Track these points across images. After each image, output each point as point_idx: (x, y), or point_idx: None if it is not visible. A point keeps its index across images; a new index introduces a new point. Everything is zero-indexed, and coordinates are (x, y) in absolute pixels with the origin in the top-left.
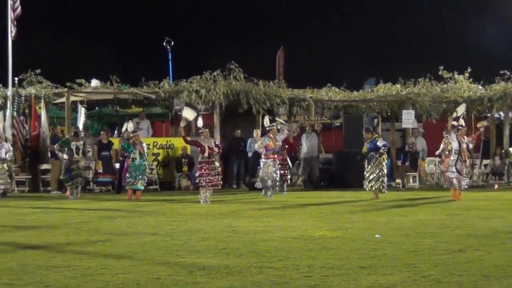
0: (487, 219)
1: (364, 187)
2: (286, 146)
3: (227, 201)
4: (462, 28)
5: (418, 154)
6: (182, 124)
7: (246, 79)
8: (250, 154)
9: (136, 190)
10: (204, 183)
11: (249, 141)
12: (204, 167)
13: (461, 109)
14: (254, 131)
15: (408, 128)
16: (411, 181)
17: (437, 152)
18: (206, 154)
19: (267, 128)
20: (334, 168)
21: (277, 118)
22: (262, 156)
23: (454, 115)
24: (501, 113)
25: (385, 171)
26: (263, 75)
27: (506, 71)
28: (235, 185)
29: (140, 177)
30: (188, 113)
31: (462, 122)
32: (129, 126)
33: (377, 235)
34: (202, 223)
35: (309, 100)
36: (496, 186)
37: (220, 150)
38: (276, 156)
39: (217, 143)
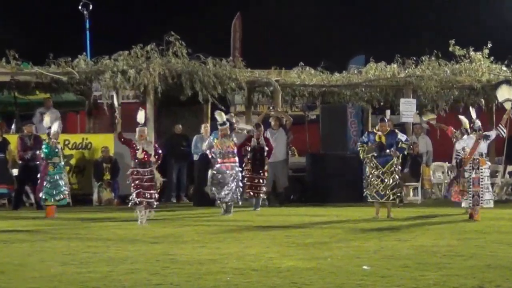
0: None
1: (374, 198)
2: (266, 148)
3: (164, 220)
4: None
5: (421, 157)
6: (119, 116)
7: (190, 56)
8: (195, 157)
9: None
10: (138, 200)
11: (194, 139)
12: (137, 178)
13: (504, 92)
14: (202, 126)
15: (407, 123)
16: (411, 193)
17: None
18: (139, 159)
19: (218, 126)
20: (308, 176)
21: (231, 114)
22: (212, 161)
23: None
24: None
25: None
26: (214, 50)
27: None
28: (175, 199)
29: (64, 189)
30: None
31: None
32: (45, 120)
33: (365, 267)
34: (129, 250)
35: (274, 85)
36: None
37: (159, 161)
38: (232, 160)
39: (159, 151)
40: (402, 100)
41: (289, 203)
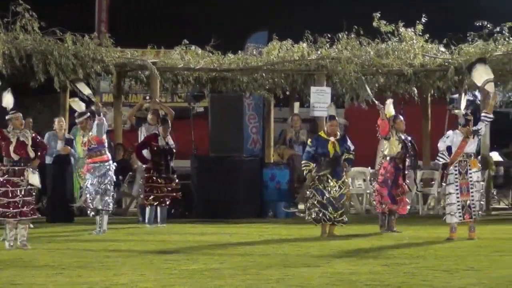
0: (451, 272)
1: (324, 219)
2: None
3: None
4: None
5: None
6: None
7: (43, 32)
8: (48, 160)
9: None
10: (8, 212)
11: (46, 137)
12: (8, 182)
13: (481, 73)
14: (56, 120)
15: (320, 117)
16: None
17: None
18: (13, 157)
19: (76, 119)
20: (194, 185)
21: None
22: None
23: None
24: (476, 93)
25: None
26: (73, 24)
27: (485, 23)
28: None
29: None
30: None
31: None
32: None
33: None
34: None
35: (151, 68)
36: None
37: (42, 158)
38: (105, 157)
39: (39, 139)
40: (313, 89)
41: (169, 219)
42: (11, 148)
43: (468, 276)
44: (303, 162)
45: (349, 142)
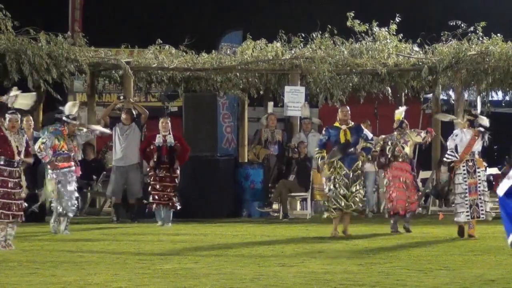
0: (424, 271)
1: (337, 210)
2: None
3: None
4: None
5: (311, 161)
6: None
7: (17, 31)
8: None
9: None
10: (9, 213)
11: None
12: (3, 182)
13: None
14: (24, 119)
15: (294, 117)
16: (298, 206)
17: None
18: (8, 157)
19: (68, 120)
20: None
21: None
22: (48, 165)
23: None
24: (450, 92)
25: None
26: (47, 24)
27: (459, 22)
28: None
29: None
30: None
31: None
32: None
33: None
34: None
35: (125, 68)
36: (441, 216)
37: (32, 159)
38: (72, 163)
39: (27, 141)
40: (287, 88)
41: (143, 218)
42: (15, 151)
43: (442, 276)
44: (315, 149)
45: (365, 131)
